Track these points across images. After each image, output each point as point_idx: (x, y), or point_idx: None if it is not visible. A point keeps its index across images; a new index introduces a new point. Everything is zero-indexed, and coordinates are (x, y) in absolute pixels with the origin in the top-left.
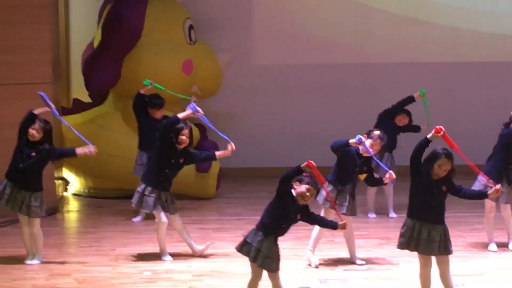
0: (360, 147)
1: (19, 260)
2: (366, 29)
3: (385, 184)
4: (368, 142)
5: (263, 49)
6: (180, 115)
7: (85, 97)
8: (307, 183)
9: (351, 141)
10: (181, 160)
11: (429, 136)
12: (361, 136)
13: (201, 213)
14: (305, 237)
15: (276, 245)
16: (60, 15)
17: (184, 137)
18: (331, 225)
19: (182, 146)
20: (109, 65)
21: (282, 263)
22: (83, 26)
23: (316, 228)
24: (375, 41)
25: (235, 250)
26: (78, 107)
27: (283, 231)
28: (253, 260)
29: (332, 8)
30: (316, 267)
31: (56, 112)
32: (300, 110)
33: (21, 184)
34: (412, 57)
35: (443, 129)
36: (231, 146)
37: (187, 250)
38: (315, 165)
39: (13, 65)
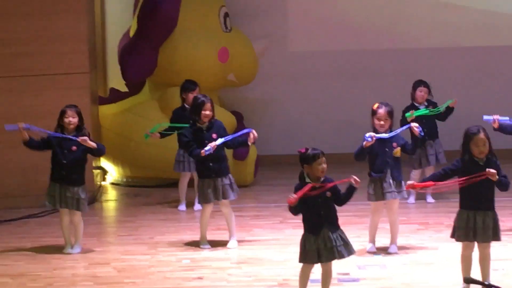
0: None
1: (58, 249)
2: (401, 14)
3: (416, 135)
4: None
5: (298, 36)
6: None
7: (122, 87)
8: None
9: (365, 144)
10: (214, 135)
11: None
12: (369, 134)
13: (239, 200)
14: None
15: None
16: (96, 4)
17: (207, 112)
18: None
19: (206, 120)
20: (145, 54)
21: None
22: (119, 15)
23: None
24: (411, 26)
25: (272, 238)
26: (115, 96)
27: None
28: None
29: None
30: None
31: (30, 126)
32: (336, 97)
33: (69, 181)
34: (448, 41)
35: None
36: (253, 134)
37: (226, 238)
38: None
39: (50, 56)
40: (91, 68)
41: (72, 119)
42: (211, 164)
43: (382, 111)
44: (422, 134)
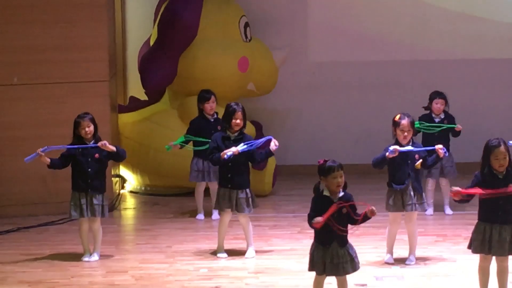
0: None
1: (76, 257)
2: (423, 25)
3: (440, 157)
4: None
5: (318, 46)
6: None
7: (142, 95)
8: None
9: (387, 155)
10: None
11: None
12: (393, 148)
13: (257, 210)
14: (362, 234)
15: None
16: (116, 13)
17: (238, 121)
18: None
19: (236, 129)
20: (165, 63)
21: None
22: (140, 24)
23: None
24: (432, 38)
25: (290, 248)
26: (135, 105)
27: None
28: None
29: (388, 4)
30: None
31: (48, 148)
32: (356, 107)
33: (94, 189)
34: (469, 53)
35: None
36: (274, 142)
37: (243, 247)
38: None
39: (71, 64)
40: (111, 76)
41: (88, 129)
42: (229, 175)
43: (405, 122)
44: (447, 155)
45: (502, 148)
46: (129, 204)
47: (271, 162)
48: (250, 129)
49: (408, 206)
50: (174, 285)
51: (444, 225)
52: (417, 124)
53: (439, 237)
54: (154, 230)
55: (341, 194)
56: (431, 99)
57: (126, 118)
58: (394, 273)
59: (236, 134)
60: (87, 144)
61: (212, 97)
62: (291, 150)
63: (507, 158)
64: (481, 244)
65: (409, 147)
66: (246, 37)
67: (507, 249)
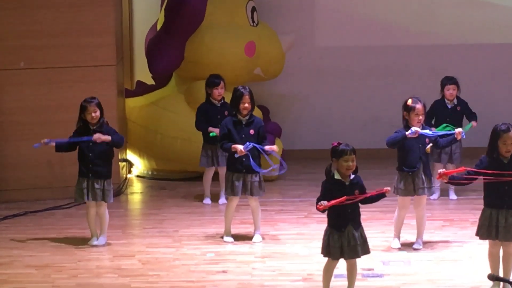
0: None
1: (83, 241)
2: (430, 10)
3: (458, 139)
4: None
5: (325, 31)
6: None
7: (148, 80)
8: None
9: (408, 134)
10: (252, 131)
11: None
12: (415, 128)
13: (264, 195)
14: (368, 219)
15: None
16: None
17: (246, 104)
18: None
19: (245, 113)
20: (172, 47)
21: None
22: (147, 8)
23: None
24: (440, 23)
25: (297, 232)
26: (141, 89)
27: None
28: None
29: None
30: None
31: (50, 140)
32: (363, 92)
33: (96, 174)
34: (478, 38)
35: None
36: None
37: (250, 232)
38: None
39: (77, 48)
40: (118, 61)
41: (94, 114)
42: (244, 159)
43: (419, 106)
44: (464, 137)
45: (511, 133)
46: (136, 189)
47: (278, 147)
48: (257, 114)
49: (420, 190)
50: (181, 270)
51: (450, 210)
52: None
53: (446, 222)
54: (161, 215)
55: (352, 177)
56: (443, 85)
57: (133, 103)
58: (401, 258)
59: (246, 117)
60: (91, 128)
61: (221, 83)
62: (298, 135)
63: None
64: (488, 229)
65: (427, 131)
66: (253, 21)
67: None
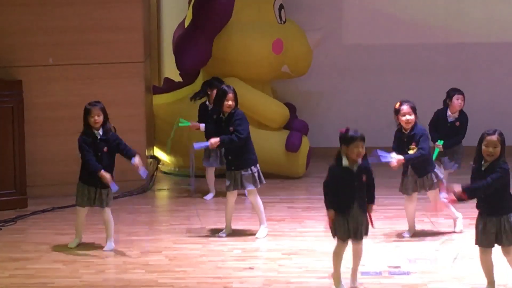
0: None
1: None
2: (457, 7)
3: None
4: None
5: (353, 28)
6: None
7: (176, 76)
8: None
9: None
10: (231, 128)
11: None
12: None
13: (291, 192)
14: (395, 217)
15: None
16: None
17: (230, 102)
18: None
19: (227, 111)
20: (200, 44)
21: (371, 243)
22: (175, 5)
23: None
24: (466, 21)
25: (324, 229)
26: (169, 86)
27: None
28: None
29: None
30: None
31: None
32: (390, 90)
33: (102, 183)
34: (504, 36)
35: None
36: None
37: (277, 228)
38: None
39: (106, 45)
40: (145, 58)
41: (97, 118)
42: (230, 157)
43: (404, 107)
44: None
45: (494, 137)
46: (163, 185)
47: (305, 145)
48: (284, 111)
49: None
50: (208, 266)
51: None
52: (435, 154)
53: (473, 220)
54: (187, 211)
55: (360, 162)
56: (451, 96)
57: (160, 100)
58: (427, 256)
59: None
60: (94, 132)
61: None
62: (324, 132)
63: (498, 149)
64: (475, 234)
65: (400, 156)
66: (281, 19)
67: (493, 241)
